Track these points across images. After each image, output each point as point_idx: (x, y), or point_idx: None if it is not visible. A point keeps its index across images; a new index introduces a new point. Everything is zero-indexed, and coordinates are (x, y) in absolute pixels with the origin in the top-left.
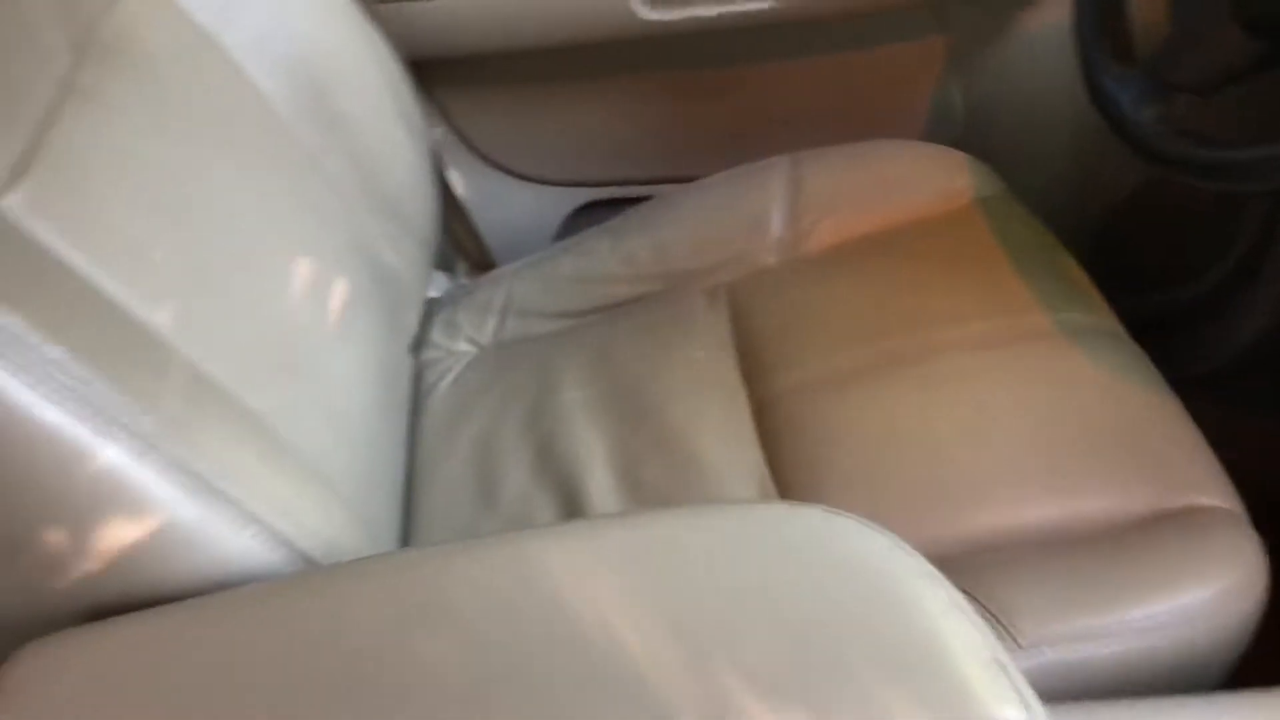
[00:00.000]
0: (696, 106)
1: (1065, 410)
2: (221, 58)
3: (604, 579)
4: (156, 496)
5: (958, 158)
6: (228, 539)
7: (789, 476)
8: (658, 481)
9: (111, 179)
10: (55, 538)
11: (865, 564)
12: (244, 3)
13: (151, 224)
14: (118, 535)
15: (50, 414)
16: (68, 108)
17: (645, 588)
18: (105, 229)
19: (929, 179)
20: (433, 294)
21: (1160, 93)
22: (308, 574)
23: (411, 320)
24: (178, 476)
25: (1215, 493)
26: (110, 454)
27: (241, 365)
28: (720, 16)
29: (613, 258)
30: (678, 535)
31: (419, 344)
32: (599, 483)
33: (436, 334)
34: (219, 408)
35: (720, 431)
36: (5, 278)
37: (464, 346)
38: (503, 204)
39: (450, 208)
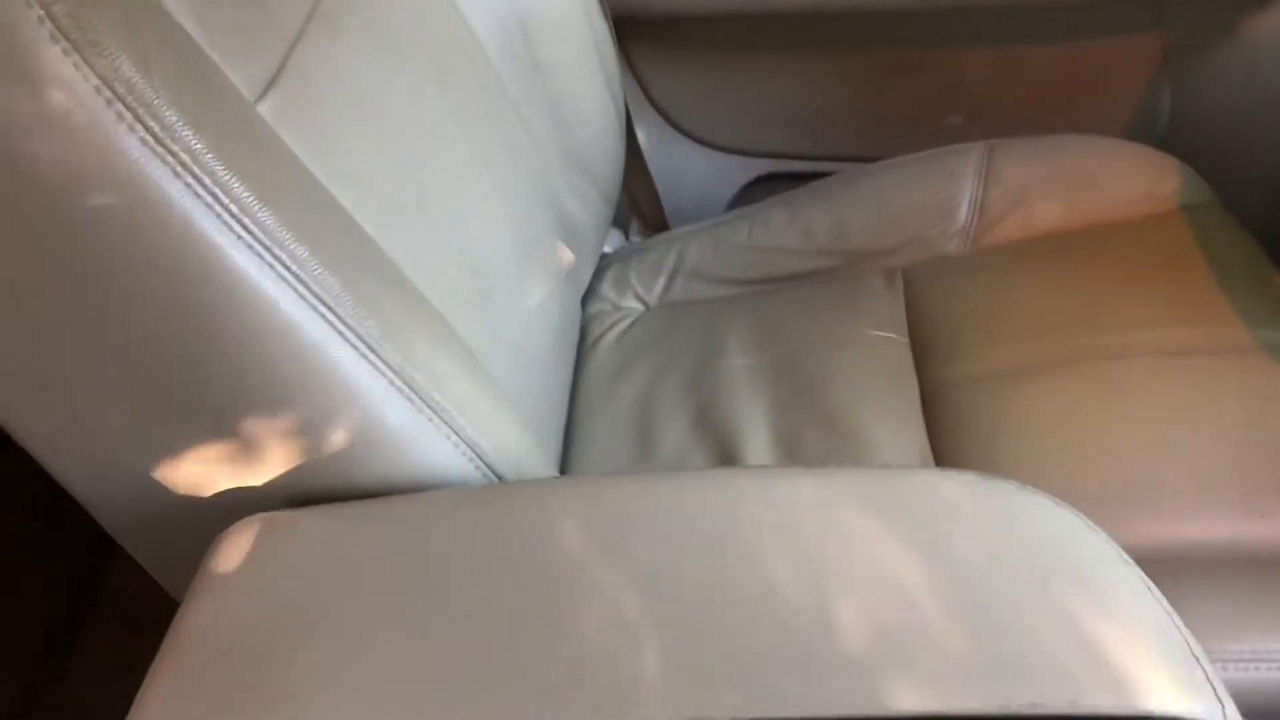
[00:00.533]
0: (888, 85)
1: (1259, 428)
2: (446, 1)
3: (802, 526)
4: (372, 396)
5: (1167, 160)
6: (430, 445)
7: (954, 465)
8: (816, 454)
9: (345, 100)
10: (276, 422)
11: (1060, 541)
12: None
13: (378, 146)
14: (331, 427)
15: (291, 306)
16: (312, 29)
17: (835, 542)
18: (337, 145)
19: (1133, 179)
20: (606, 249)
21: None
22: (503, 485)
23: (586, 272)
24: (394, 380)
25: None
26: (337, 351)
27: (447, 289)
28: None
29: (790, 229)
30: (866, 493)
31: (589, 296)
32: (757, 447)
33: (606, 288)
34: (432, 323)
35: (886, 413)
36: (262, 176)
37: (632, 303)
38: (682, 168)
39: (632, 167)
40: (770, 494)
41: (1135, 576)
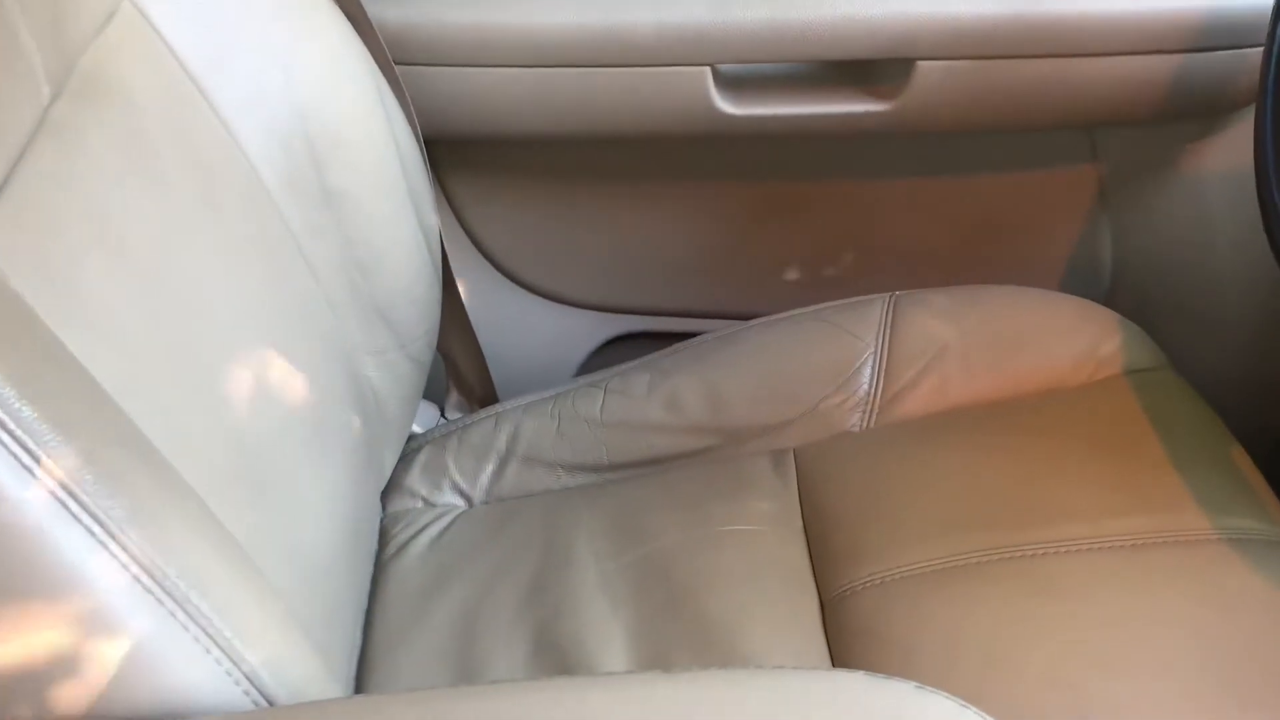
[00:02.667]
0: (770, 226)
1: (1225, 636)
2: (209, 111)
3: None
4: (112, 597)
5: (1108, 317)
6: (184, 661)
7: None
8: None
9: (83, 231)
10: None
11: None
12: (242, 52)
13: (124, 287)
14: (55, 637)
15: (10, 477)
16: (41, 142)
17: None
18: (72, 283)
19: (1068, 339)
20: (416, 428)
21: None
22: (278, 710)
23: (389, 458)
24: (140, 577)
25: None
26: (67, 536)
27: (209, 471)
28: (817, 117)
29: (652, 400)
30: (743, 697)
31: (392, 490)
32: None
33: (415, 480)
34: (191, 508)
35: (777, 626)
36: None
37: (449, 498)
38: (516, 325)
39: (450, 323)
40: (618, 703)
41: None
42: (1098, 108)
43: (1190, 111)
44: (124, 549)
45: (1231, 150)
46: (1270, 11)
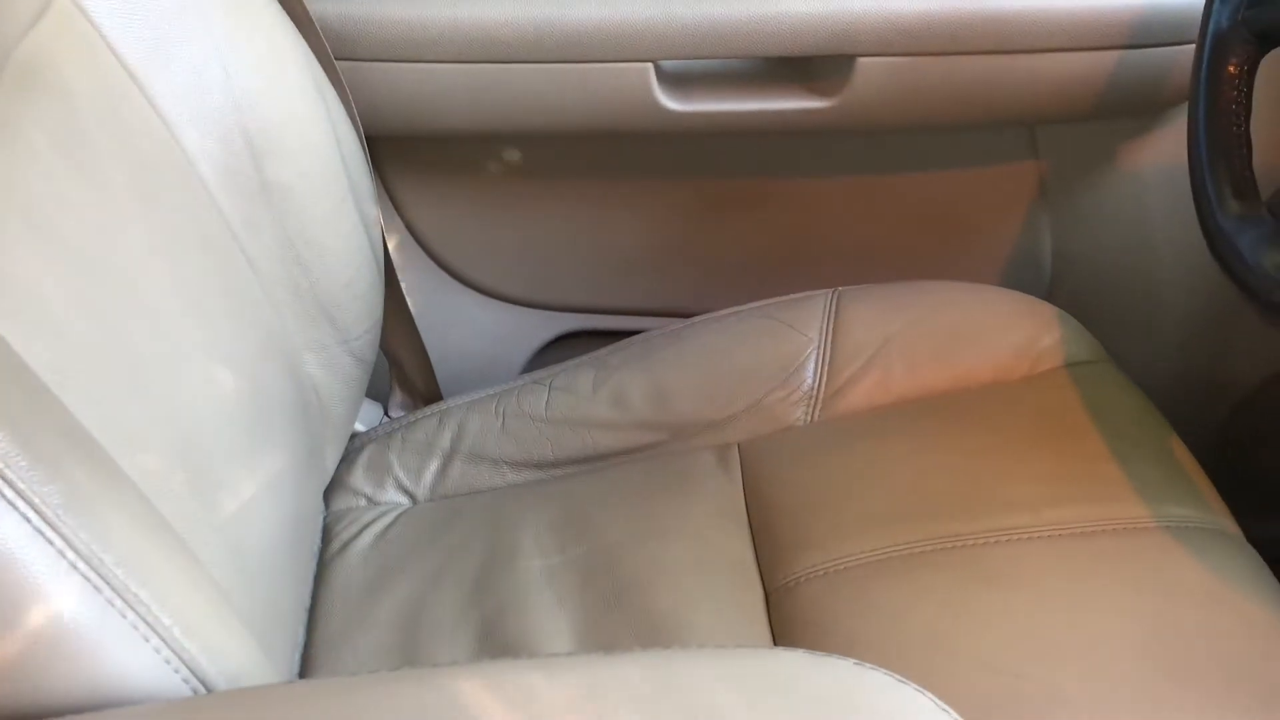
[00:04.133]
0: (714, 223)
1: (1161, 623)
2: (145, 104)
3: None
4: (48, 584)
5: (1048, 311)
6: (125, 650)
7: None
8: None
9: (15, 221)
10: None
11: None
12: (180, 44)
13: (59, 281)
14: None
15: None
16: None
17: None
18: (7, 275)
19: (1009, 333)
20: (358, 426)
21: None
22: (216, 696)
23: (331, 455)
24: (78, 564)
25: None
26: (6, 527)
27: (147, 461)
28: (760, 114)
29: (597, 396)
30: (683, 674)
31: (335, 488)
32: None
33: (358, 478)
34: (129, 497)
35: (722, 618)
36: None
37: (393, 496)
38: (460, 323)
39: (393, 320)
40: (561, 683)
41: None
42: (1035, 104)
43: (1126, 108)
44: (60, 535)
45: (1167, 147)
46: (1201, 8)
